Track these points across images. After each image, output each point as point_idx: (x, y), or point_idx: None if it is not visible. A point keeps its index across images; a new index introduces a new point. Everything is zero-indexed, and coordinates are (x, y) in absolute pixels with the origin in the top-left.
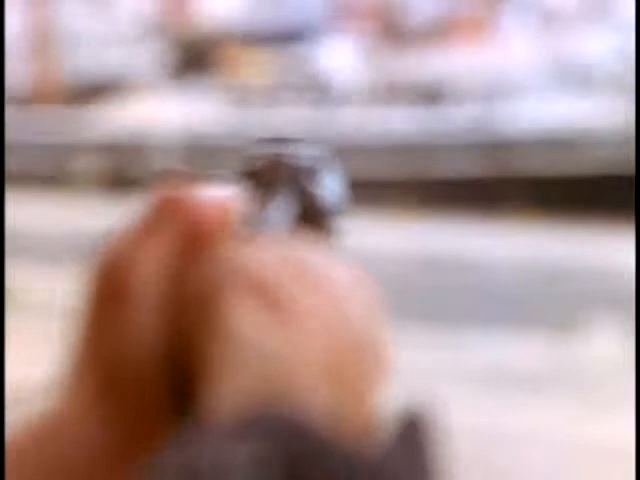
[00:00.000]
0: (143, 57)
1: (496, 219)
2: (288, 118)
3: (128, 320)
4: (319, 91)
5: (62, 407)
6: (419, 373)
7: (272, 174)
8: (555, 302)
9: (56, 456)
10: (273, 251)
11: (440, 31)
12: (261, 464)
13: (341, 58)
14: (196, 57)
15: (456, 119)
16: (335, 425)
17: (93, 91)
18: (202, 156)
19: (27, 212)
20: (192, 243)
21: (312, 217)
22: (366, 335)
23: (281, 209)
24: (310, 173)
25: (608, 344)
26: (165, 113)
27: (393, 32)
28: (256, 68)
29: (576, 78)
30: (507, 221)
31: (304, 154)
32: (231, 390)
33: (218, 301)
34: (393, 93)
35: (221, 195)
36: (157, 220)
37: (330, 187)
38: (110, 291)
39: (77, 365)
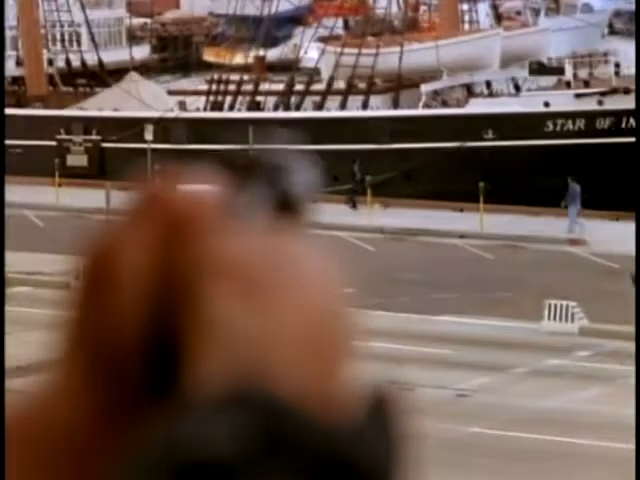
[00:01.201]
0: (134, 50)
1: (458, 193)
2: (264, 105)
3: (115, 304)
4: (296, 79)
5: (55, 383)
6: (389, 335)
7: (249, 168)
8: (508, 271)
9: (49, 429)
10: (250, 240)
11: (408, 25)
12: (241, 437)
13: (317, 50)
14: (182, 51)
15: (422, 102)
16: (308, 400)
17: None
18: (189, 131)
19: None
20: (174, 234)
21: (285, 208)
22: (336, 316)
23: (257, 201)
24: (284, 167)
25: (561, 314)
26: (155, 98)
27: (367, 25)
28: (236, 59)
29: (525, 64)
30: (468, 196)
31: (278, 149)
32: (209, 368)
33: (198, 287)
34: (365, 81)
35: (201, 189)
36: (142, 213)
37: (302, 181)
38: (98, 277)
39: (68, 345)
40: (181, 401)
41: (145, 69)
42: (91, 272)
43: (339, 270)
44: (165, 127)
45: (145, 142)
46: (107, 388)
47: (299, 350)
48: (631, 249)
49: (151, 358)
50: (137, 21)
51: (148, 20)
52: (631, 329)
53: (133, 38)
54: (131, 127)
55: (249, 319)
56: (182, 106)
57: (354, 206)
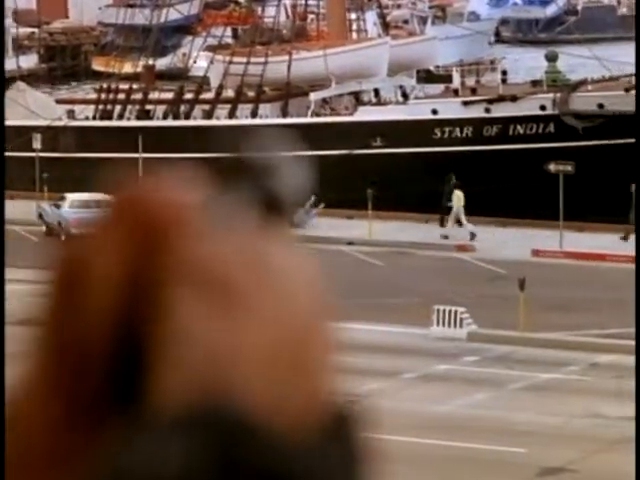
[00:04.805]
0: (22, 60)
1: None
2: (157, 112)
3: (84, 311)
4: (186, 88)
5: (23, 387)
6: None
7: (234, 171)
8: (406, 277)
9: (12, 431)
10: (228, 245)
11: (296, 34)
12: (194, 460)
13: (206, 59)
14: (70, 60)
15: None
16: (274, 415)
17: None
18: (78, 140)
19: None
20: (149, 240)
21: (271, 211)
22: (312, 328)
23: (239, 205)
24: (270, 169)
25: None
26: (43, 107)
27: (255, 34)
28: (125, 68)
29: (413, 69)
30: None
31: (265, 151)
32: (172, 382)
33: (168, 296)
34: (254, 89)
35: (179, 194)
36: (116, 218)
37: (289, 182)
38: (70, 280)
39: (38, 347)
40: (140, 417)
41: (33, 78)
42: (65, 274)
43: (321, 277)
44: (54, 136)
45: (33, 151)
46: (71, 394)
47: (270, 363)
48: (517, 255)
49: (116, 366)
50: (24, 30)
51: (36, 29)
52: (518, 334)
53: (20, 47)
54: (19, 136)
55: (216, 333)
56: (71, 115)
57: (461, 224)
